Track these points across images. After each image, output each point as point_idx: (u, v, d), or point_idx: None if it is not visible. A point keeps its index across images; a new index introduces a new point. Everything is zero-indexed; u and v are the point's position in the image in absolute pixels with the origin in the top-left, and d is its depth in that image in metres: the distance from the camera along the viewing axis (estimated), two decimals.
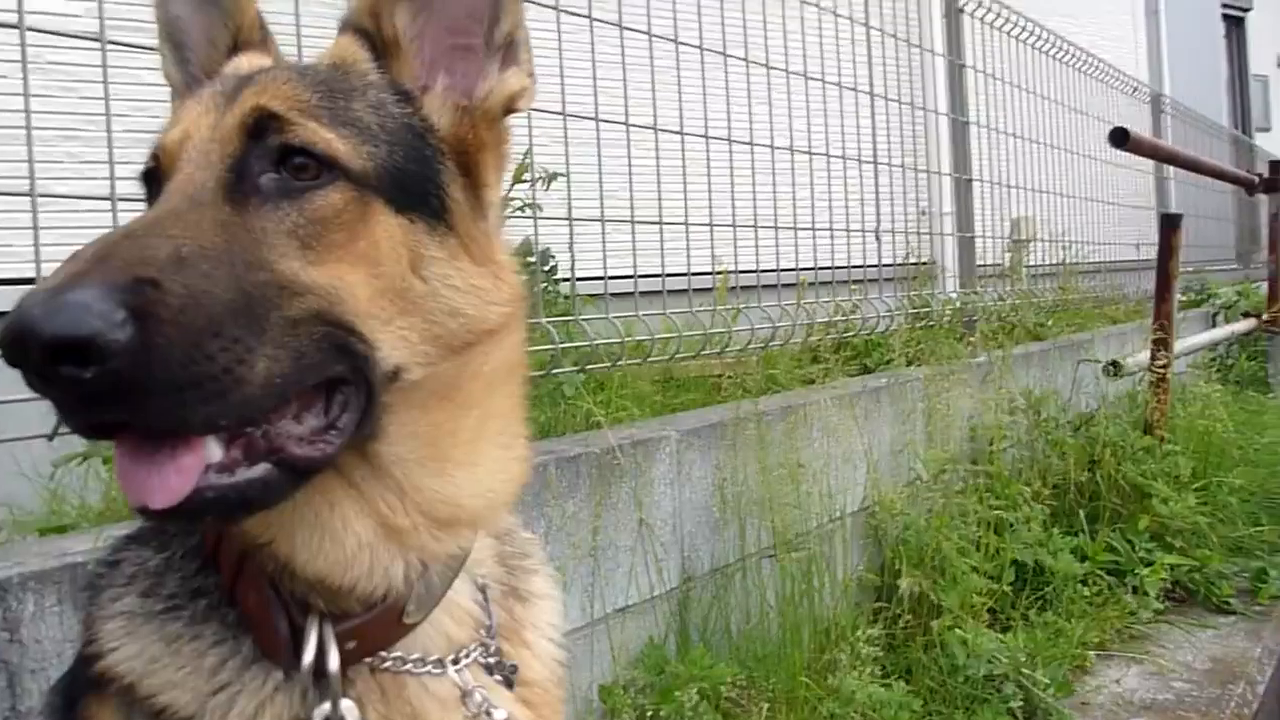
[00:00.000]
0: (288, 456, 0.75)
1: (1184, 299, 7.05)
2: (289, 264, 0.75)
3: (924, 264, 4.12)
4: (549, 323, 2.17)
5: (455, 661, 0.90)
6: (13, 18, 1.51)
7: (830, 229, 3.33)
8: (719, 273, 3.29)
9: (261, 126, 0.78)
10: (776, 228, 3.21)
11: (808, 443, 2.50)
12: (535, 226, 2.52)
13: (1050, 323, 5.04)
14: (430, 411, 0.84)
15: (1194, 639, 3.09)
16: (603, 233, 2.63)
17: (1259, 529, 3.61)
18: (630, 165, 2.58)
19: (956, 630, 2.55)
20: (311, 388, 0.77)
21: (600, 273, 2.72)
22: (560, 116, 2.44)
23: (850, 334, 3.35)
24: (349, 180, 0.78)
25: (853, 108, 3.49)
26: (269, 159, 0.78)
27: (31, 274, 1.47)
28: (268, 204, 0.76)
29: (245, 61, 0.94)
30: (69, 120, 2.64)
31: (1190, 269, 8.06)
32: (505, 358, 0.90)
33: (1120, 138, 3.53)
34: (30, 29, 1.52)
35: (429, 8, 0.89)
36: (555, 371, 2.17)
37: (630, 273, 2.82)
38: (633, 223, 2.58)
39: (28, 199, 1.52)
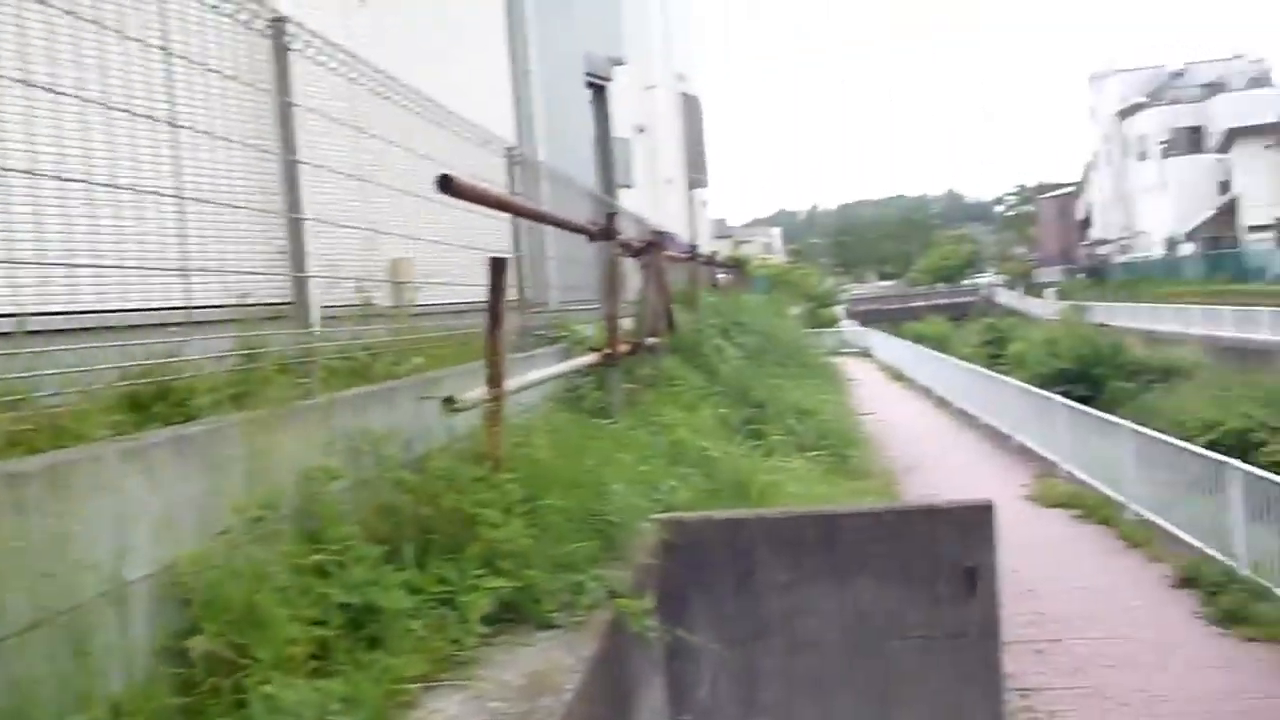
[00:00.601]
0: None
1: (546, 335, 7.70)
2: None
3: (266, 305, 4.00)
4: None
5: None
6: None
7: (142, 267, 3.10)
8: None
9: None
10: (69, 264, 2.92)
11: (81, 504, 2.25)
12: None
13: (419, 361, 5.19)
14: None
15: (516, 657, 3.28)
16: None
17: (581, 545, 3.96)
18: None
19: (263, 686, 2.45)
20: None
21: None
22: None
23: (167, 380, 3.13)
24: None
25: (175, 142, 3.30)
26: None
27: None
28: None
29: None
30: None
31: (559, 309, 8.84)
32: None
33: (445, 183, 3.70)
34: None
35: None
36: None
37: None
38: None
39: None
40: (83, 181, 2.89)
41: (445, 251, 6.08)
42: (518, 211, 5.16)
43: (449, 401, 3.88)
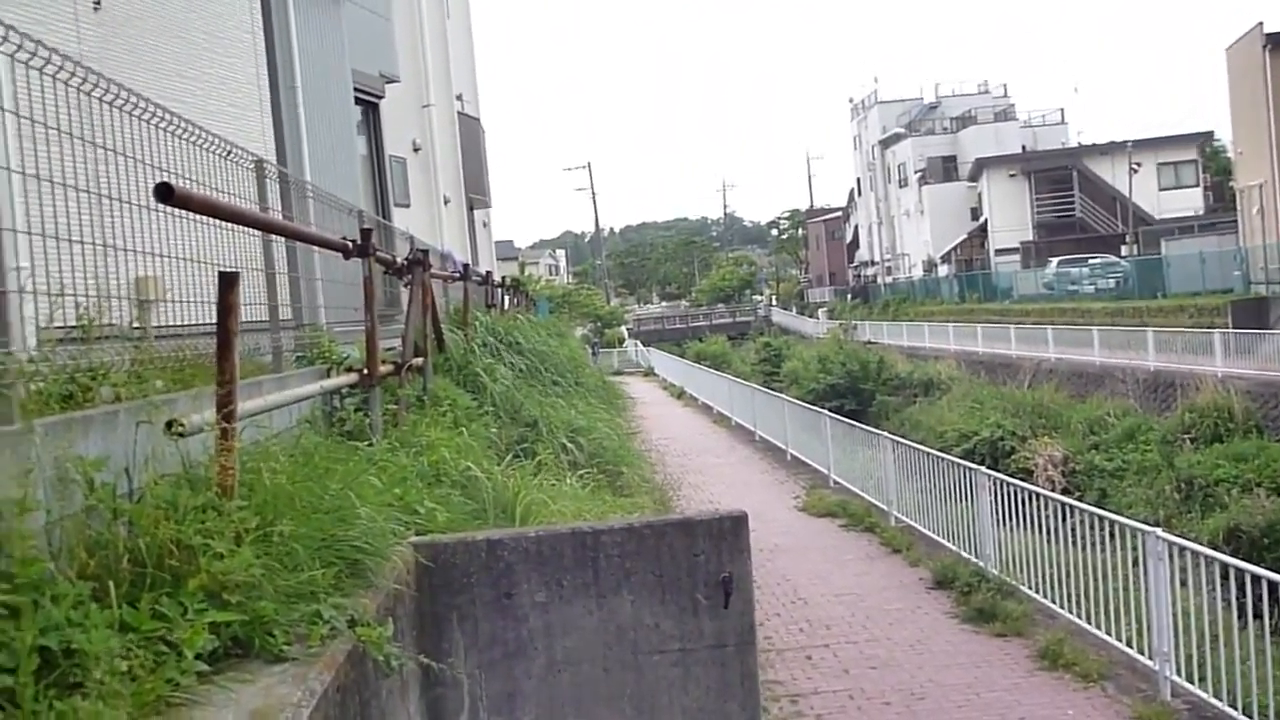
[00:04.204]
0: None
1: (305, 355, 7.40)
2: None
3: None
4: None
5: None
6: None
7: None
8: None
9: None
10: None
11: None
12: None
13: (161, 384, 4.85)
14: None
15: (239, 695, 3.08)
16: None
17: (319, 572, 3.78)
18: None
19: None
20: None
21: None
22: None
23: None
24: None
25: None
26: None
27: None
28: None
29: None
30: None
31: (320, 330, 8.51)
32: None
33: (165, 193, 3.48)
34: None
35: None
36: None
37: None
38: None
39: None
40: None
41: (198, 270, 5.75)
42: (254, 224, 4.92)
43: (170, 425, 3.63)
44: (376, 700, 3.93)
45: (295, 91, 13.09)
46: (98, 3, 7.97)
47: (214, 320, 5.91)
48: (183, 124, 5.27)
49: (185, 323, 5.73)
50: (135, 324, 5.45)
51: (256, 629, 3.39)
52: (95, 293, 4.89)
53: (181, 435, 3.71)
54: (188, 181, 5.29)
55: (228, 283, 3.85)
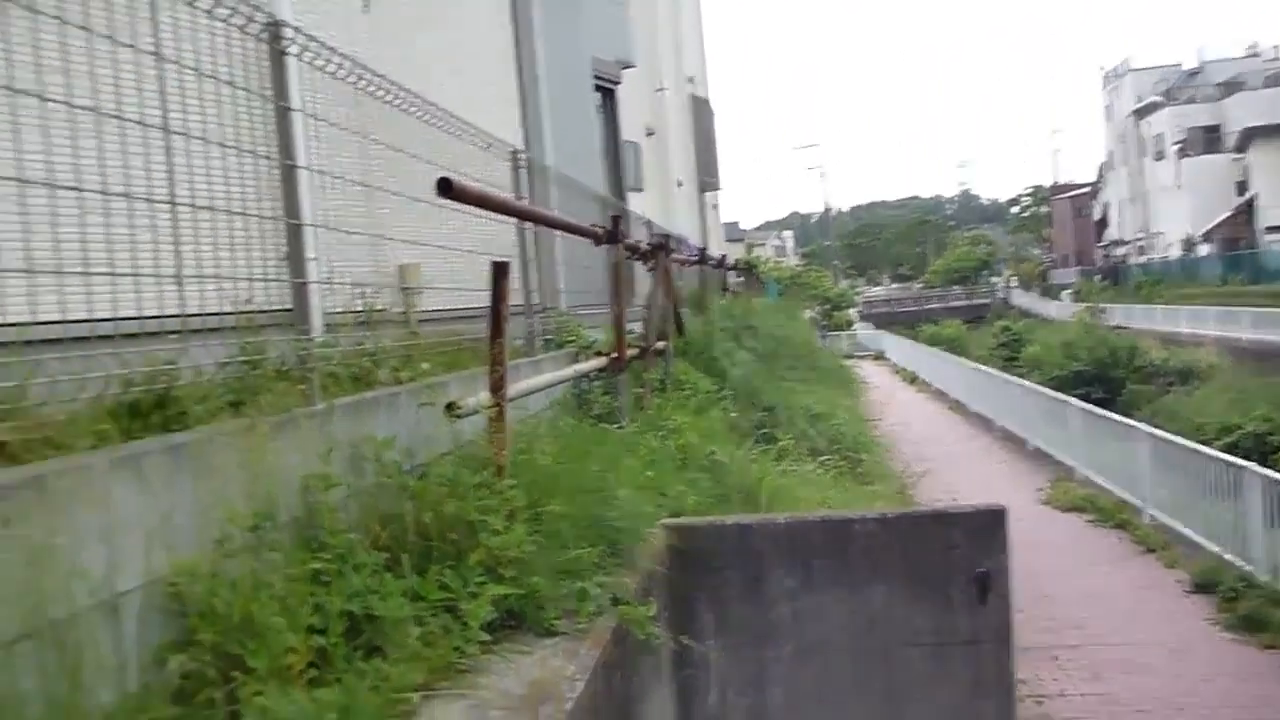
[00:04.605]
0: None
1: (555, 339, 7.66)
2: None
3: (267, 311, 3.98)
4: None
5: None
6: None
7: (135, 274, 3.07)
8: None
9: None
10: (87, 274, 2.90)
11: (69, 516, 2.22)
12: None
13: (427, 366, 5.16)
14: None
15: (516, 665, 3.24)
16: None
17: (585, 551, 3.92)
18: None
19: (258, 697, 2.42)
20: None
21: None
22: None
23: (164, 388, 3.10)
24: None
25: (194, 151, 3.28)
26: None
27: None
28: None
29: None
30: None
31: (563, 314, 8.79)
32: None
33: (446, 187, 3.67)
34: None
35: None
36: None
37: None
38: None
39: None
40: (75, 190, 2.86)
41: (452, 257, 6.06)
42: (519, 214, 5.13)
43: (451, 407, 3.84)
44: (637, 677, 4.04)
45: (538, 81, 13.53)
46: (366, 3, 8.50)
47: (464, 306, 6.24)
48: (450, 119, 5.55)
49: (437, 308, 6.06)
50: (401, 310, 5.81)
51: (529, 604, 3.55)
52: (370, 281, 5.24)
53: (459, 416, 3.91)
54: (452, 173, 5.58)
55: (500, 271, 4.02)
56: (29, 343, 3.00)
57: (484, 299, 6.57)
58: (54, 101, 2.67)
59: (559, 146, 13.40)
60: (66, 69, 2.80)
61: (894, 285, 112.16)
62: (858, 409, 14.86)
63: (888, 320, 65.75)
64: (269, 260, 4.37)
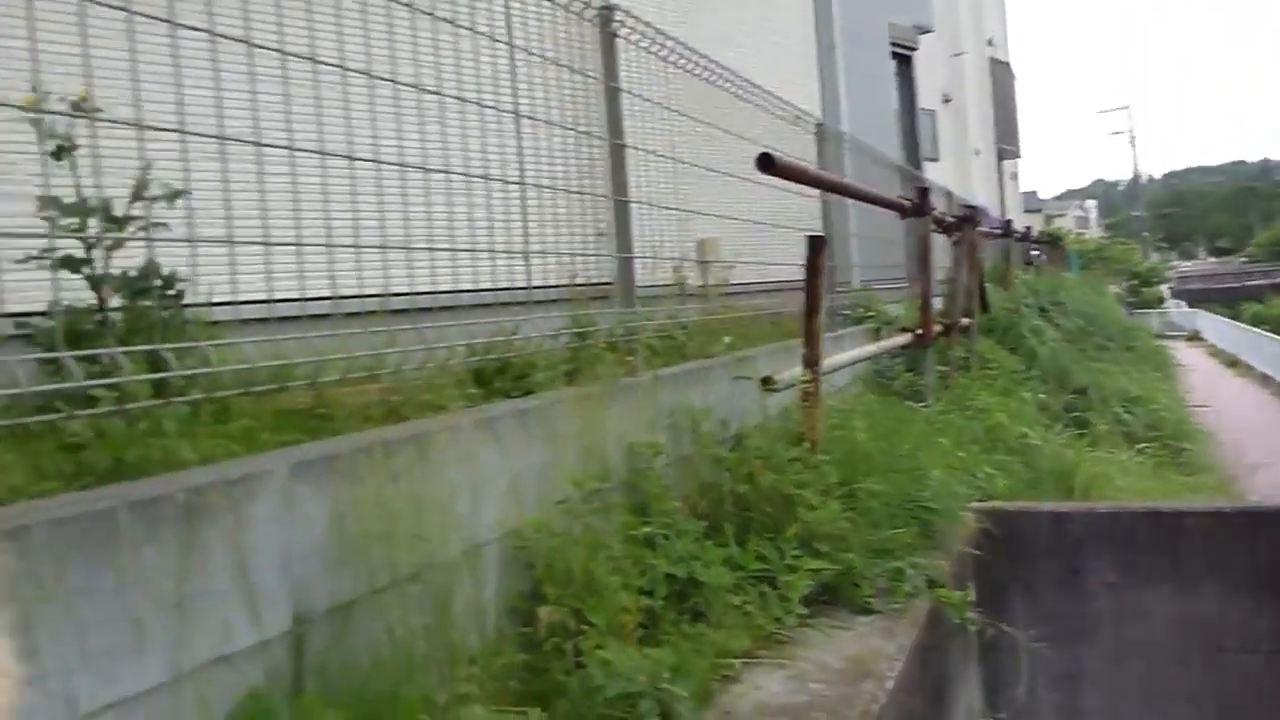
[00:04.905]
0: None
1: (854, 315, 7.57)
2: None
3: (592, 285, 4.18)
4: (122, 351, 2.01)
5: None
6: None
7: (491, 250, 3.30)
8: (372, 296, 3.18)
9: None
10: (431, 250, 3.16)
11: (443, 471, 2.43)
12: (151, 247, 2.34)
13: (728, 340, 5.25)
14: None
15: (834, 640, 3.25)
16: (232, 254, 2.49)
17: (899, 531, 3.87)
18: (263, 185, 2.45)
19: (599, 650, 2.56)
20: None
21: (240, 297, 2.59)
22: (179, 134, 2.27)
23: (511, 355, 3.32)
24: None
25: (515, 131, 3.50)
26: None
27: None
28: None
29: None
30: None
31: (861, 288, 8.68)
32: None
33: (766, 162, 3.70)
34: None
35: None
36: (140, 405, 2.00)
37: (266, 296, 2.70)
38: (266, 244, 2.44)
39: None
40: (441, 171, 3.11)
41: (748, 230, 6.12)
42: (834, 189, 5.08)
43: (766, 381, 3.89)
44: (948, 662, 3.95)
45: (834, 50, 13.34)
46: None
47: (759, 280, 6.28)
48: (755, 91, 5.57)
49: (733, 282, 6.13)
50: (700, 283, 5.91)
51: (844, 580, 3.55)
52: (676, 255, 5.37)
53: (774, 390, 3.95)
54: (757, 146, 5.61)
55: (816, 245, 4.01)
56: (395, 312, 3.31)
57: (778, 273, 6.61)
58: (427, 91, 2.91)
59: (854, 115, 13.16)
60: (414, 57, 3.04)
61: (1211, 259, 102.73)
62: (1176, 393, 13.76)
63: (1202, 297, 60.37)
64: (588, 236, 4.59)
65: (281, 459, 2.08)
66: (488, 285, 3.33)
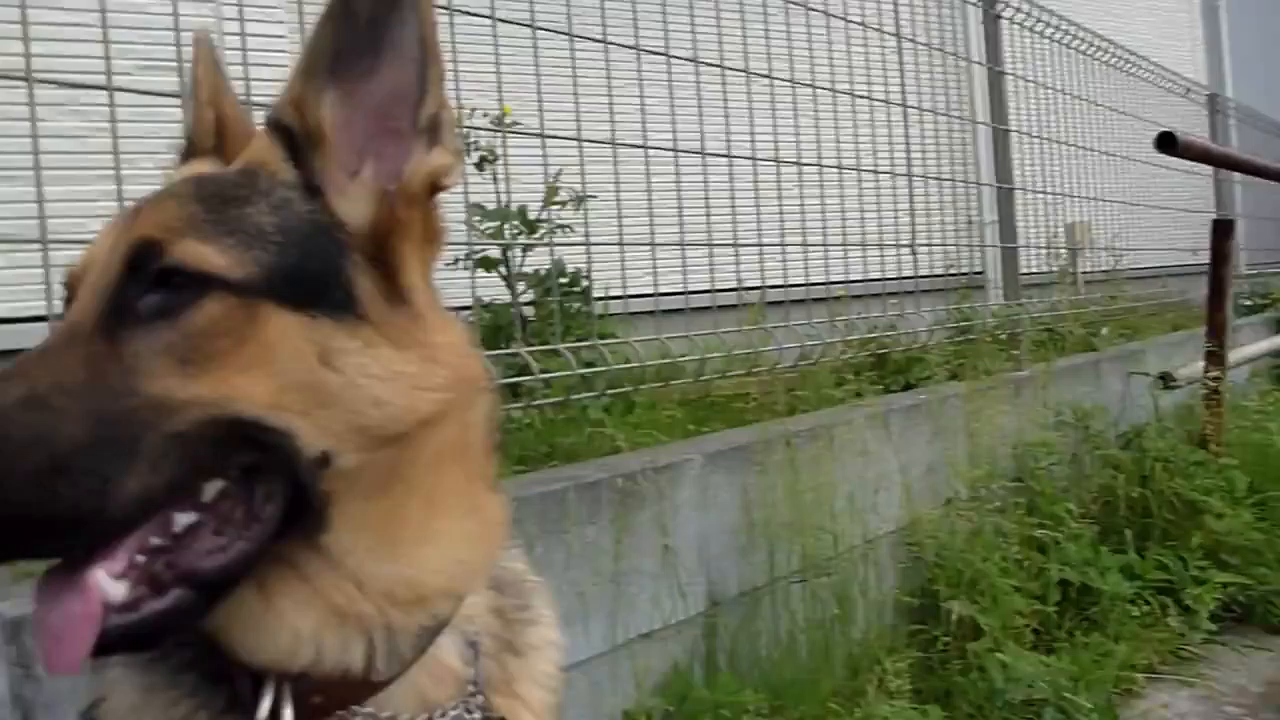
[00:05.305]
0: (201, 574, 0.75)
1: (1247, 304, 6.88)
2: (163, 383, 0.74)
3: (967, 275, 4.06)
4: (568, 348, 2.18)
5: None
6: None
7: (863, 244, 3.30)
8: (747, 289, 3.25)
9: (140, 255, 0.78)
10: (805, 245, 3.19)
11: (839, 463, 2.46)
12: (551, 250, 2.55)
13: (1105, 332, 4.94)
14: (375, 500, 0.83)
15: (1249, 661, 2.99)
16: (621, 255, 2.63)
17: None
18: (649, 186, 2.58)
19: (996, 653, 2.50)
20: (232, 494, 0.77)
21: (636, 292, 2.73)
22: (576, 142, 2.45)
23: (888, 350, 3.31)
24: (227, 289, 0.77)
25: (885, 120, 3.46)
26: (147, 283, 0.77)
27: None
28: (141, 328, 0.76)
29: (179, 173, 0.95)
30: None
31: (1253, 273, 7.86)
32: (452, 441, 0.87)
33: (1168, 142, 3.44)
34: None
35: (355, 95, 0.88)
36: (575, 398, 2.17)
37: (661, 291, 2.82)
38: (652, 245, 2.58)
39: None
40: (815, 165, 3.14)
41: (1122, 213, 5.70)
42: (1240, 167, 4.63)
43: (1165, 377, 3.61)
44: None
45: (1217, 10, 12.15)
46: None
47: (1134, 266, 5.81)
48: (1145, 64, 5.18)
49: (1103, 269, 5.71)
50: (1073, 270, 5.56)
51: (1257, 596, 3.24)
52: (1048, 241, 5.10)
53: (1173, 387, 3.67)
54: (1147, 123, 5.22)
55: (1222, 230, 3.68)
56: (772, 304, 3.38)
57: (1159, 259, 6.12)
58: (805, 85, 2.94)
59: (1238, 80, 11.92)
60: (788, 51, 3.07)
61: None
62: None
63: None
64: (959, 225, 4.46)
65: (697, 448, 2.19)
66: (859, 277, 3.31)
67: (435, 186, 0.90)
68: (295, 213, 0.84)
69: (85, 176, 2.31)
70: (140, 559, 0.73)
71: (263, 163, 0.87)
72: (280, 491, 0.77)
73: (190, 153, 1.00)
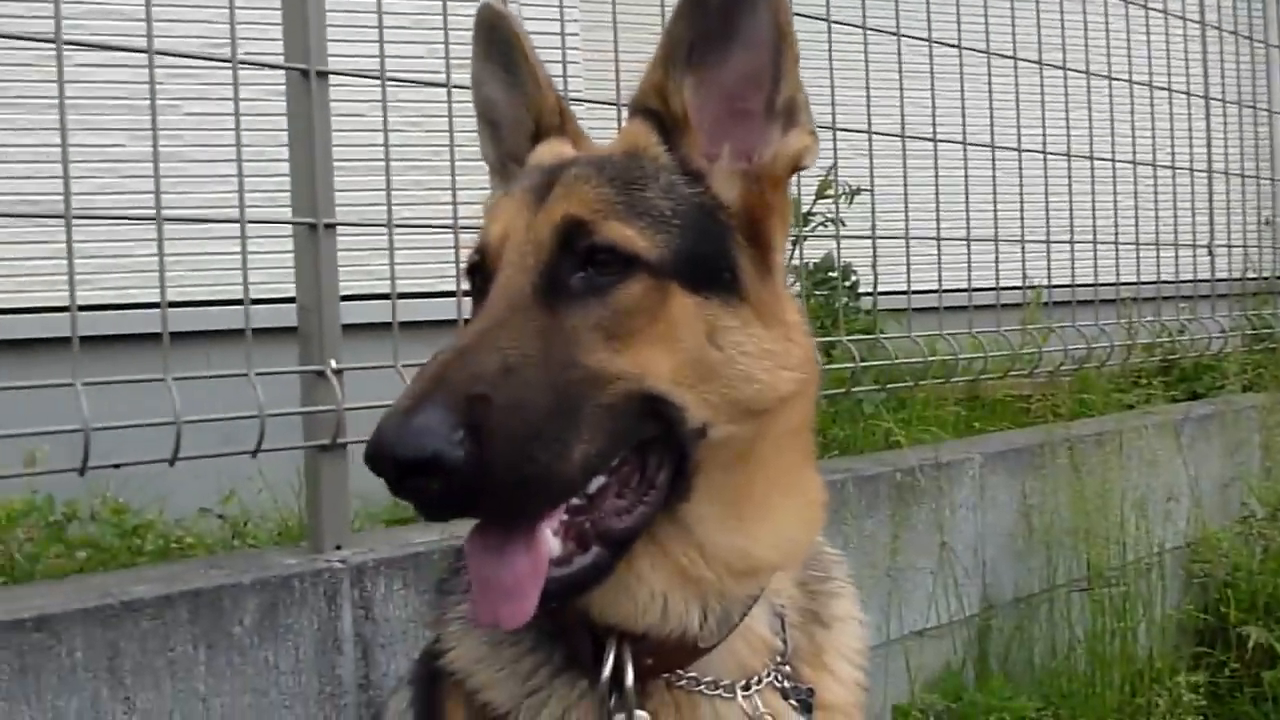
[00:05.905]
0: (614, 533, 0.83)
1: None
2: (597, 357, 0.81)
3: (1265, 279, 3.77)
4: (849, 341, 2.19)
5: (746, 688, 0.93)
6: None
7: (1156, 243, 3.12)
8: (1030, 288, 3.15)
9: (570, 233, 0.85)
10: (1095, 242, 3.06)
11: (1124, 472, 2.36)
12: (838, 243, 2.55)
13: None
14: (730, 472, 0.88)
15: None
16: (907, 249, 2.61)
17: None
18: (937, 180, 2.55)
19: None
20: (629, 460, 0.84)
21: (903, 288, 2.69)
22: (865, 134, 2.45)
23: (1177, 356, 3.13)
24: (648, 271, 0.84)
25: (1183, 112, 3.26)
26: (577, 260, 0.84)
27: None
28: (575, 303, 0.83)
29: (546, 151, 1.02)
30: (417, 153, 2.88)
31: None
32: (796, 420, 0.93)
33: None
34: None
35: (711, 80, 0.93)
36: (854, 390, 2.18)
37: (934, 288, 2.77)
38: (938, 240, 2.55)
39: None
40: (1108, 160, 3.00)
41: None
42: None
43: None
44: None
45: None
46: None
47: None
48: None
49: None
50: None
51: None
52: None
53: None
54: None
55: None
56: (1044, 304, 3.26)
57: None
58: (1102, 77, 2.81)
59: None
60: (1084, 43, 2.93)
61: None
62: None
63: None
64: (1258, 225, 4.14)
65: (977, 447, 2.16)
66: (1150, 278, 3.13)
67: (795, 167, 0.94)
68: (683, 195, 0.90)
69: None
70: (564, 518, 0.81)
71: (642, 147, 0.93)
72: (670, 461, 0.85)
73: (538, 135, 1.06)
